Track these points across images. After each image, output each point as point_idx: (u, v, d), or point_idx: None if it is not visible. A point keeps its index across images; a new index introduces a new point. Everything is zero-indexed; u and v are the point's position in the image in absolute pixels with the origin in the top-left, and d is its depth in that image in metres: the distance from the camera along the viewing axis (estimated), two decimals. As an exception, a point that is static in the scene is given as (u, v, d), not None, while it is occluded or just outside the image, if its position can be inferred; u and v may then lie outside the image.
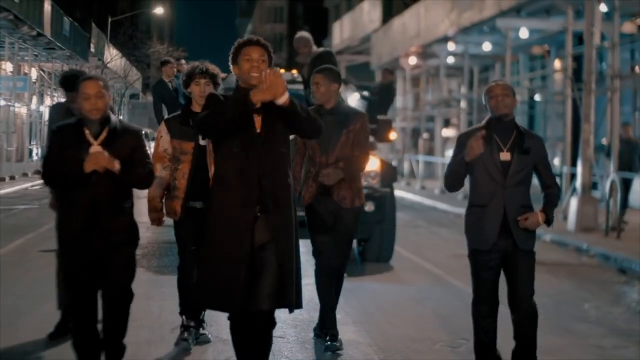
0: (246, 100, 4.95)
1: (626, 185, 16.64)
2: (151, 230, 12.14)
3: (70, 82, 7.19)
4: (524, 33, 22.62)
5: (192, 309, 6.90)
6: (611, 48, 16.89)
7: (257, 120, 5.09)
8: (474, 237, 5.84)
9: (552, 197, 5.90)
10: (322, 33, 53.76)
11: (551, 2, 19.09)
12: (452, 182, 5.95)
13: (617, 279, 11.67)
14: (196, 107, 6.71)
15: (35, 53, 32.68)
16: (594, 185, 18.27)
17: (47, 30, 29.93)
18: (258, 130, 5.09)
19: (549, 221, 5.83)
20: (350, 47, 41.65)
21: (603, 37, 20.12)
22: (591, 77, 16.51)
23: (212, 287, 5.07)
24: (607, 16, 19.58)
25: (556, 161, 24.33)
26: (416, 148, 35.80)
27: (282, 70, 13.13)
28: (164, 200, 6.81)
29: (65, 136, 5.48)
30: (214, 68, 6.87)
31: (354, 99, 12.65)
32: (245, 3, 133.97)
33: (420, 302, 9.30)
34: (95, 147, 5.36)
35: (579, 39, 20.90)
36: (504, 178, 5.73)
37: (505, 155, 5.73)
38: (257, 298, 4.99)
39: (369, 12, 39.14)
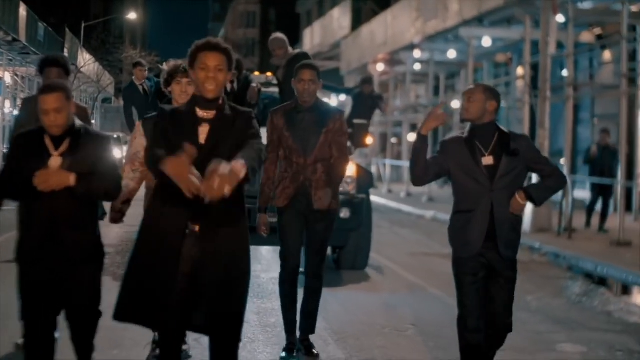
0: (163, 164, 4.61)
1: (606, 192, 16.95)
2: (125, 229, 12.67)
3: (41, 65, 7.04)
4: (486, 41, 23.39)
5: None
6: (567, 57, 17.68)
7: (204, 130, 4.80)
8: (459, 244, 5.62)
9: (545, 180, 5.67)
10: (294, 38, 54.30)
11: (511, 13, 19.86)
12: (417, 173, 5.69)
13: (562, 275, 12.44)
14: None
15: (10, 58, 33.13)
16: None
17: (22, 36, 30.40)
18: (202, 142, 4.76)
19: (532, 199, 5.58)
20: (321, 53, 42.38)
21: (562, 46, 21.01)
22: (546, 85, 17.33)
23: (139, 302, 4.75)
24: (565, 26, 20.46)
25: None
26: (384, 152, 36.56)
27: (257, 73, 13.34)
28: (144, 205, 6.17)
29: (25, 145, 5.10)
30: None
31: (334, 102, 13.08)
32: (218, 8, 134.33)
33: (370, 291, 10.01)
34: (55, 158, 5.00)
35: (538, 47, 21.77)
36: (490, 182, 5.53)
37: (487, 160, 5.57)
38: (190, 316, 4.70)
39: (339, 19, 39.92)
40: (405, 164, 31.66)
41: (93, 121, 53.89)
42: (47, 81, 6.49)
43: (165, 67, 13.90)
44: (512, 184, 5.54)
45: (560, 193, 16.57)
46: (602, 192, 16.94)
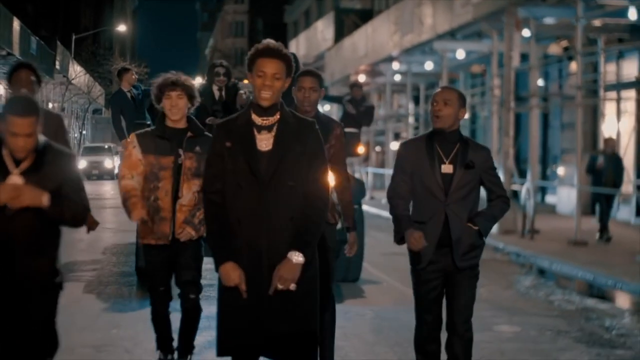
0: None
1: (608, 201, 16.77)
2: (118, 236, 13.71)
3: (10, 72, 6.83)
4: (460, 54, 24.52)
5: (186, 334, 6.36)
6: (530, 70, 18.89)
7: (263, 138, 4.71)
8: (412, 255, 5.51)
9: (491, 207, 5.58)
10: (286, 46, 55.43)
11: (479, 28, 21.05)
12: (395, 204, 5.55)
13: (518, 271, 13.61)
14: (169, 122, 6.21)
15: (4, 71, 34.22)
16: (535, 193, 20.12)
17: (15, 50, 31.45)
18: (262, 149, 4.67)
19: (479, 232, 5.46)
20: (306, 64, 43.38)
21: (527, 58, 22.23)
22: (510, 97, 18.51)
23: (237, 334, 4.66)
24: (531, 40, 21.69)
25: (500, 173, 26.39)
26: (366, 161, 37.74)
27: (246, 81, 14.35)
28: (150, 224, 6.16)
29: None
30: (186, 79, 6.28)
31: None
32: (207, 17, 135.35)
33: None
34: (15, 177, 4.44)
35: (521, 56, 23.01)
36: (445, 194, 5.41)
37: (447, 168, 5.42)
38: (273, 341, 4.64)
39: (323, 31, 41.11)
40: (387, 171, 32.92)
41: (83, 132, 54.97)
42: (16, 93, 5.74)
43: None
44: (467, 197, 5.45)
45: (525, 197, 17.79)
46: (607, 201, 16.76)
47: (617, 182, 16.88)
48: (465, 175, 5.40)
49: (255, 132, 4.68)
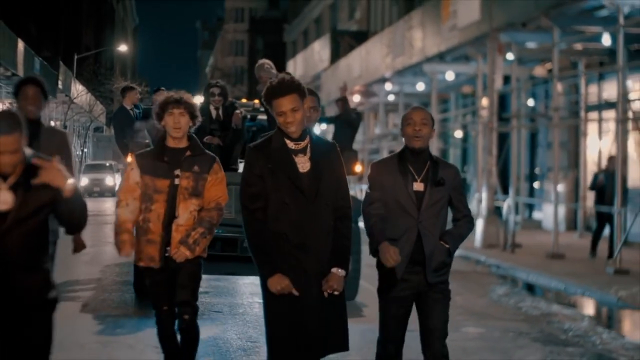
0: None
1: (610, 218, 16.68)
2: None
3: (17, 86, 6.81)
4: (449, 75, 25.45)
5: (186, 355, 6.37)
6: (511, 92, 19.84)
7: (300, 160, 5.10)
8: (382, 272, 5.55)
9: (457, 227, 5.65)
10: (281, 67, 56.43)
11: (465, 51, 22.01)
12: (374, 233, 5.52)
13: (495, 281, 14.50)
14: (170, 142, 6.19)
15: (8, 91, 35.14)
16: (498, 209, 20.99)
17: (20, 71, 32.32)
18: (303, 171, 5.07)
19: (448, 250, 5.54)
20: (303, 83, 44.42)
21: (517, 80, 23.18)
22: (493, 117, 19.45)
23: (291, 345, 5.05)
24: (519, 61, 22.67)
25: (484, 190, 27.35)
26: (362, 178, 38.67)
27: (244, 100, 13.39)
28: (141, 246, 6.15)
29: None
30: (189, 97, 6.26)
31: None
32: (208, 35, 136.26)
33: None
34: (3, 192, 4.37)
35: (508, 78, 23.99)
36: (417, 211, 5.48)
37: (418, 186, 5.48)
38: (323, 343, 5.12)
39: (319, 52, 42.12)
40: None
41: (85, 150, 55.81)
42: (21, 108, 6.35)
43: (155, 97, 12.59)
44: (439, 214, 5.53)
45: (506, 212, 18.68)
46: (609, 219, 16.77)
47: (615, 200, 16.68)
48: (436, 192, 5.49)
49: (293, 156, 5.07)
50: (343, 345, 5.19)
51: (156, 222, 6.04)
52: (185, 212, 6.06)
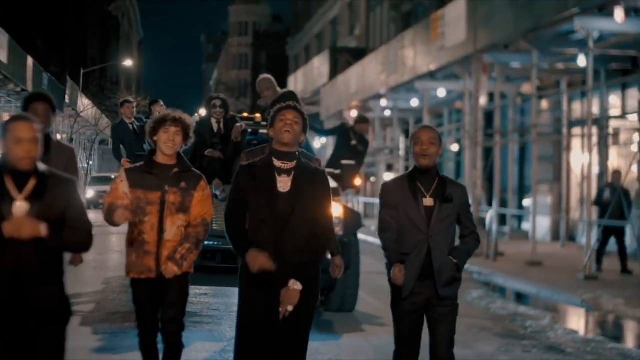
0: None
1: (619, 233, 16.80)
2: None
3: (25, 102, 6.86)
4: (441, 92, 26.59)
5: None
6: (495, 109, 21.01)
7: (282, 180, 5.43)
8: (393, 287, 5.76)
9: (465, 244, 5.84)
10: (283, 81, 57.75)
11: (453, 70, 23.19)
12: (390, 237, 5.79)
13: (474, 285, 15.62)
14: (160, 157, 6.26)
15: (17, 106, 36.31)
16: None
17: (29, 86, 33.42)
18: (282, 190, 5.41)
19: (457, 265, 5.75)
20: (304, 98, 45.58)
21: (505, 97, 24.38)
22: (477, 133, 20.62)
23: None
24: (508, 79, 23.87)
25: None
26: (359, 191, 39.81)
27: (245, 114, 13.23)
28: (132, 257, 6.23)
29: None
30: (187, 118, 6.34)
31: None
32: (212, 49, 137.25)
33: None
34: (20, 203, 4.44)
35: (490, 95, 25.17)
36: (427, 226, 5.67)
37: (428, 201, 5.71)
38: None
39: (319, 68, 43.37)
40: (378, 201, 35.07)
41: (91, 162, 56.89)
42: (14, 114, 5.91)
43: (153, 108, 12.82)
44: (448, 230, 5.73)
45: (489, 223, 19.81)
46: (615, 233, 16.82)
47: (623, 214, 16.82)
48: (445, 209, 5.70)
49: (276, 175, 5.42)
50: None
51: (150, 233, 6.12)
52: (173, 227, 6.15)
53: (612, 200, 16.59)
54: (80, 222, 4.58)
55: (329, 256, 6.33)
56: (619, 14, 14.74)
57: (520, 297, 14.75)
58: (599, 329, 12.04)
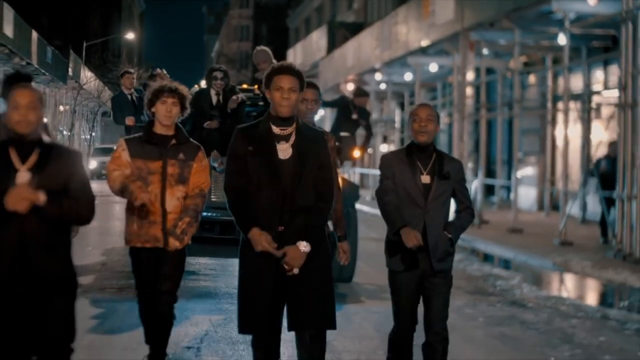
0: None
1: (612, 202, 16.62)
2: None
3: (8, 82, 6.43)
4: (433, 67, 27.53)
5: (159, 338, 6.49)
6: (480, 85, 22.00)
7: (282, 147, 5.25)
8: (391, 258, 5.83)
9: (459, 219, 5.90)
10: (282, 54, 58.57)
11: (443, 46, 24.14)
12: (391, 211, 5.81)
13: (456, 250, 16.60)
14: (159, 128, 6.33)
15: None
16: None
17: (34, 60, 34.31)
18: (282, 158, 5.23)
19: (451, 240, 5.80)
20: (303, 72, 46.32)
21: (494, 72, 25.38)
22: (464, 108, 21.62)
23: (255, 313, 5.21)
24: (496, 55, 24.83)
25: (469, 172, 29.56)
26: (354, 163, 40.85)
27: (245, 86, 13.26)
28: (133, 226, 6.31)
29: None
30: (183, 89, 6.39)
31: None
32: (213, 20, 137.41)
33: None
34: (23, 174, 4.46)
35: (487, 70, 26.18)
36: (425, 202, 5.72)
37: (425, 178, 5.75)
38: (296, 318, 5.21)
39: (317, 42, 44.29)
40: (374, 172, 36.23)
41: (93, 134, 57.78)
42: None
43: (154, 80, 11.71)
44: (444, 206, 5.79)
45: (474, 192, 20.86)
46: (613, 204, 16.64)
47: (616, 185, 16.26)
48: (441, 185, 5.76)
49: (275, 142, 5.24)
50: (321, 322, 5.25)
51: (155, 203, 6.17)
52: (172, 198, 6.23)
53: (609, 171, 16.61)
54: (83, 194, 4.56)
55: (331, 227, 6.32)
56: (591, -3, 15.73)
57: (496, 261, 15.81)
58: (563, 288, 13.11)
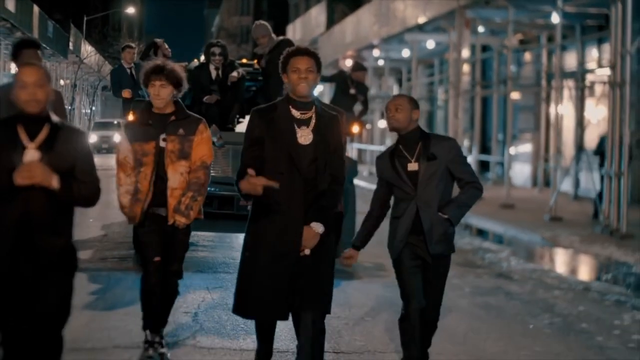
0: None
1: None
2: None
3: (16, 48, 6.76)
4: (430, 44, 27.88)
5: (156, 323, 6.51)
6: (475, 62, 22.34)
7: (302, 132, 5.27)
8: (390, 246, 5.93)
9: (461, 195, 5.91)
10: (283, 29, 58.63)
11: (439, 24, 24.46)
12: (374, 207, 6.03)
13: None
14: (156, 108, 6.38)
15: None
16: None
17: (35, 34, 34.50)
18: (303, 143, 5.25)
19: (449, 219, 5.83)
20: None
21: (491, 49, 25.71)
22: (459, 85, 21.98)
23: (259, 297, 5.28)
24: (492, 32, 25.16)
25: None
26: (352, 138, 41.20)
27: (244, 60, 13.01)
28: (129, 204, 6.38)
29: None
30: (173, 68, 6.37)
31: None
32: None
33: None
34: (31, 151, 4.44)
35: (483, 47, 26.52)
36: (414, 188, 5.78)
37: (413, 166, 5.81)
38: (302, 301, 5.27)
39: (316, 18, 44.55)
40: (371, 147, 36.63)
41: (93, 108, 57.99)
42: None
43: (153, 51, 12.20)
44: (436, 187, 5.78)
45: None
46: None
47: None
48: (429, 167, 5.77)
49: (296, 127, 5.27)
50: (318, 306, 5.32)
51: (143, 182, 6.27)
52: (175, 174, 6.28)
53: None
54: (90, 176, 4.57)
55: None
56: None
57: (488, 235, 16.21)
58: (550, 262, 13.51)
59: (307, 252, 5.19)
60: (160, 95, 6.24)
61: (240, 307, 5.38)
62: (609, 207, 15.20)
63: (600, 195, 16.86)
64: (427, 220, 5.74)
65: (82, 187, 4.50)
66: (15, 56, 6.71)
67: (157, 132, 6.28)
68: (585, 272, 12.88)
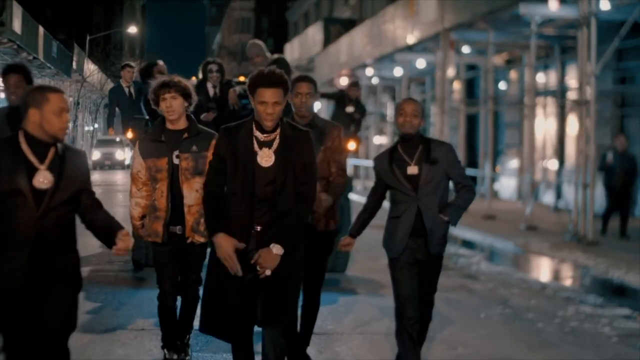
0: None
1: (623, 198, 16.69)
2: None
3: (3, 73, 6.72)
4: (420, 63, 29.06)
5: (186, 319, 6.62)
6: (459, 81, 23.54)
7: (264, 154, 5.19)
8: (388, 246, 6.04)
9: (458, 198, 6.05)
10: (282, 47, 59.63)
11: (426, 45, 25.68)
12: (368, 204, 6.23)
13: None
14: (169, 124, 6.37)
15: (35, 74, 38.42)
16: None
17: (40, 54, 35.51)
18: (264, 165, 5.16)
19: (449, 221, 5.96)
20: (300, 66, 48.07)
21: (478, 67, 26.92)
22: (444, 103, 23.18)
23: (219, 314, 5.20)
24: (479, 52, 26.36)
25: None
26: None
27: (242, 78, 13.11)
28: (146, 221, 6.43)
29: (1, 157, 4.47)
30: (180, 80, 6.41)
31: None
32: (215, 11, 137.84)
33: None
34: (43, 172, 4.47)
35: (471, 66, 27.80)
36: (415, 191, 5.89)
37: (412, 169, 5.91)
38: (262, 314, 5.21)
39: (313, 37, 45.82)
40: (365, 162, 37.83)
41: (96, 125, 58.97)
42: (37, 84, 5.70)
43: (153, 73, 11.38)
44: (436, 191, 5.95)
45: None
46: (620, 198, 16.71)
47: (628, 179, 16.73)
48: (430, 171, 5.93)
49: (257, 148, 5.17)
50: (279, 324, 5.26)
51: (160, 199, 6.30)
52: (191, 191, 6.28)
53: (616, 165, 16.61)
54: (93, 198, 4.77)
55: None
56: (552, 3, 17.24)
57: (465, 243, 17.36)
58: (517, 265, 14.66)
59: (267, 272, 5.13)
60: (173, 107, 6.27)
61: (202, 325, 5.34)
62: (577, 215, 16.35)
63: (608, 211, 16.91)
64: (429, 222, 5.91)
65: (106, 215, 4.78)
66: (2, 78, 6.72)
67: (169, 149, 6.32)
68: (546, 274, 14.02)
